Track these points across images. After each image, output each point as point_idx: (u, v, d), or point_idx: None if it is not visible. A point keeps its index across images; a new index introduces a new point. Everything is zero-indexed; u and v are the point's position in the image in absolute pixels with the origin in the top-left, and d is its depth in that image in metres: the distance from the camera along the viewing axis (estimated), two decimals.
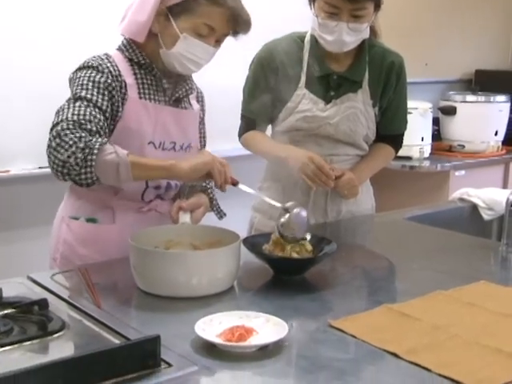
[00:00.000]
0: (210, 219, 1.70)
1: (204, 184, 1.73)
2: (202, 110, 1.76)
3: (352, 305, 1.33)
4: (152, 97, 1.58)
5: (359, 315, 1.25)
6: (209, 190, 1.73)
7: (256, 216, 2.06)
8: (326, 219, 2.01)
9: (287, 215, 1.49)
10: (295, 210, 1.50)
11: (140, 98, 1.56)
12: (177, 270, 1.30)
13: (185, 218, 1.57)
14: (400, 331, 1.19)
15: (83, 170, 1.37)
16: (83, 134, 1.38)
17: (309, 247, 1.49)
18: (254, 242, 1.52)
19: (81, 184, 1.40)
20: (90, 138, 1.39)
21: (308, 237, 1.53)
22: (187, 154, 1.63)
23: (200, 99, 1.75)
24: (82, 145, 1.37)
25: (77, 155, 1.36)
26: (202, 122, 1.76)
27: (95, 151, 1.37)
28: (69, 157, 1.36)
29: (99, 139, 1.40)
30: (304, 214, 1.51)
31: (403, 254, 1.71)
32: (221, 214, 1.77)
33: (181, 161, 1.45)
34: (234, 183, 1.48)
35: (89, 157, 1.37)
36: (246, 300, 1.38)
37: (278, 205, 1.52)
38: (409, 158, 3.29)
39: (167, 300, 1.30)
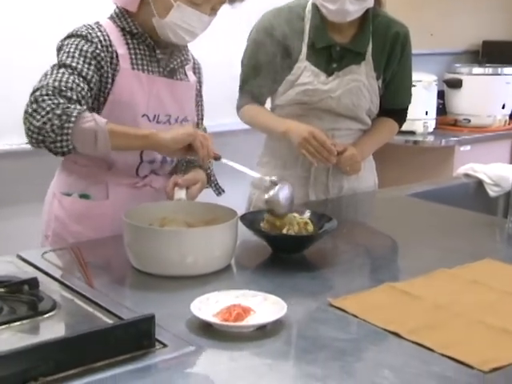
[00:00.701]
0: (207, 196, 1.70)
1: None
2: (199, 81, 1.74)
3: (353, 283, 1.33)
4: (145, 68, 1.56)
5: (360, 294, 1.25)
6: (206, 166, 1.73)
7: (255, 193, 2.05)
8: (327, 196, 2.00)
9: (275, 188, 1.48)
10: (280, 184, 1.49)
11: (133, 68, 1.54)
12: (172, 248, 1.30)
13: (180, 194, 1.57)
14: (402, 310, 1.19)
15: (59, 138, 1.36)
16: (61, 101, 1.37)
17: (310, 227, 1.49)
18: (251, 219, 1.52)
19: (56, 152, 1.39)
20: (69, 105, 1.37)
21: (307, 213, 1.53)
22: None
23: (197, 70, 1.73)
24: (59, 111, 1.36)
25: (53, 122, 1.35)
26: (199, 94, 1.74)
27: (72, 119, 1.36)
28: (44, 123, 1.35)
29: (78, 107, 1.38)
30: (289, 189, 1.50)
31: (406, 232, 1.71)
32: (219, 191, 1.76)
33: (162, 131, 1.45)
34: (217, 157, 1.48)
35: (66, 124, 1.35)
36: (244, 278, 1.38)
37: (266, 178, 1.51)
38: (412, 133, 3.28)
39: (162, 279, 1.30)
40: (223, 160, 1.48)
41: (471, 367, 0.99)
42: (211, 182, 1.74)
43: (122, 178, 1.60)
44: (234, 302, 1.14)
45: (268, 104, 2.06)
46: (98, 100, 1.51)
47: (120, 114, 1.48)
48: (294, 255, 1.47)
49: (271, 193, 1.48)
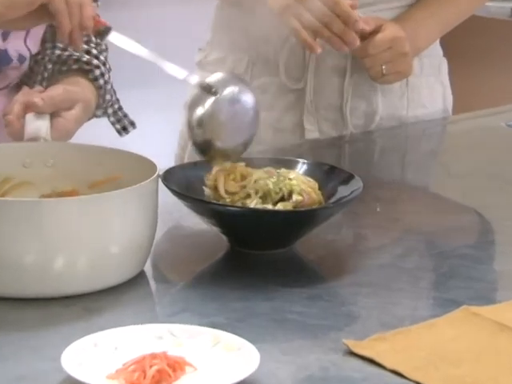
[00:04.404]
0: (99, 133, 1.72)
1: (85, 57, 1.74)
2: None
3: (395, 309, 1.36)
4: None
5: (410, 329, 1.28)
6: (97, 71, 1.75)
7: None
8: (341, 129, 2.06)
9: (209, 100, 1.51)
10: (228, 90, 1.51)
11: None
12: (20, 239, 1.32)
13: (39, 127, 1.59)
14: (496, 360, 1.22)
15: None
16: None
17: (313, 195, 1.50)
18: (188, 179, 1.55)
19: None
20: None
21: (302, 166, 1.56)
22: None
23: None
24: None
25: None
26: None
27: None
28: None
29: None
30: (248, 97, 1.53)
31: (506, 201, 1.76)
32: (123, 124, 1.81)
33: None
34: (101, 30, 1.50)
35: None
36: (172, 301, 1.41)
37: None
38: None
39: (1, 303, 1.32)
40: (112, 37, 1.50)
41: None
42: (106, 104, 1.77)
43: None
44: (152, 349, 1.16)
45: None
46: None
47: None
48: (274, 253, 1.51)
49: (200, 111, 1.51)
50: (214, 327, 1.22)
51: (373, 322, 1.31)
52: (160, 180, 1.46)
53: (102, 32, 1.50)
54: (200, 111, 1.51)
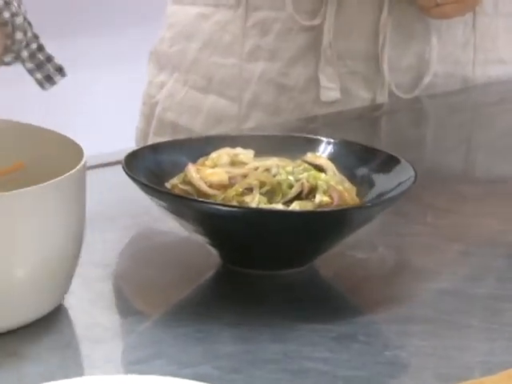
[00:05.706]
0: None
1: None
2: None
3: (462, 354, 1.33)
4: None
5: (483, 383, 1.25)
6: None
7: (164, 83, 2.11)
8: (375, 89, 2.07)
9: None
10: None
11: None
12: None
13: None
14: None
15: None
16: None
17: (349, 195, 1.49)
18: (161, 167, 1.53)
19: None
20: None
21: (328, 146, 1.55)
22: None
23: None
24: None
25: None
26: None
27: None
28: None
29: None
30: None
31: None
32: (46, 71, 1.84)
33: None
34: None
35: None
36: (138, 342, 1.39)
37: None
38: None
39: None
40: None
41: None
42: (18, 46, 1.80)
43: None
44: None
45: None
46: None
47: None
48: (286, 274, 1.49)
49: None
50: (200, 380, 1.17)
51: (429, 372, 1.29)
52: (122, 167, 1.43)
53: None
54: None
